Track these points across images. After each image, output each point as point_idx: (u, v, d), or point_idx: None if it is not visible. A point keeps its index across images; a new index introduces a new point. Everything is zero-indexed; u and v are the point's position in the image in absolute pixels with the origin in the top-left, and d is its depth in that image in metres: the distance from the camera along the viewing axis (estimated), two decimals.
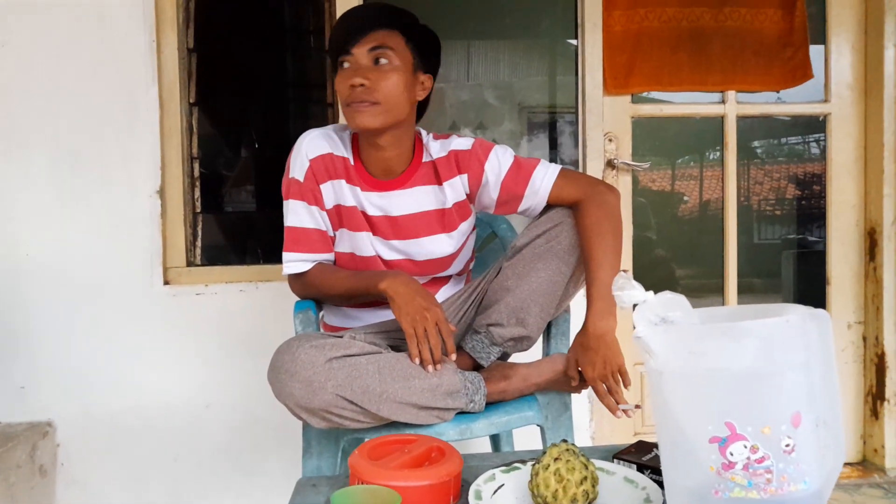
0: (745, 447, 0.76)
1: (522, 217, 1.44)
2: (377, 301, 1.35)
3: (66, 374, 1.94)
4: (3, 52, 1.90)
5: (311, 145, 1.34)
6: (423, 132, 1.40)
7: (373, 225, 1.36)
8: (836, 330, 2.21)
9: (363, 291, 1.31)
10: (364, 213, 1.36)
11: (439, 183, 1.36)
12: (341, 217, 1.36)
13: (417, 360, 1.21)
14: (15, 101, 1.91)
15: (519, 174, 1.34)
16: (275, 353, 1.20)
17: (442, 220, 1.37)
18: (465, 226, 1.41)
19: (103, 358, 1.95)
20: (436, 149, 1.37)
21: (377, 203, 1.35)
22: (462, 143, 1.37)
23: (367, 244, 1.36)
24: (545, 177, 1.34)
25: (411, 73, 1.29)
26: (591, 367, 1.26)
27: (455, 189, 1.36)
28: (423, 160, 1.37)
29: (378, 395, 1.17)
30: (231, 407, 2.00)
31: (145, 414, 1.97)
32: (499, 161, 1.35)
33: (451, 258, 1.42)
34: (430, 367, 1.21)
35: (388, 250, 1.38)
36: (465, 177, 1.36)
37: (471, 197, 1.39)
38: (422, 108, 1.39)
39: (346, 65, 1.27)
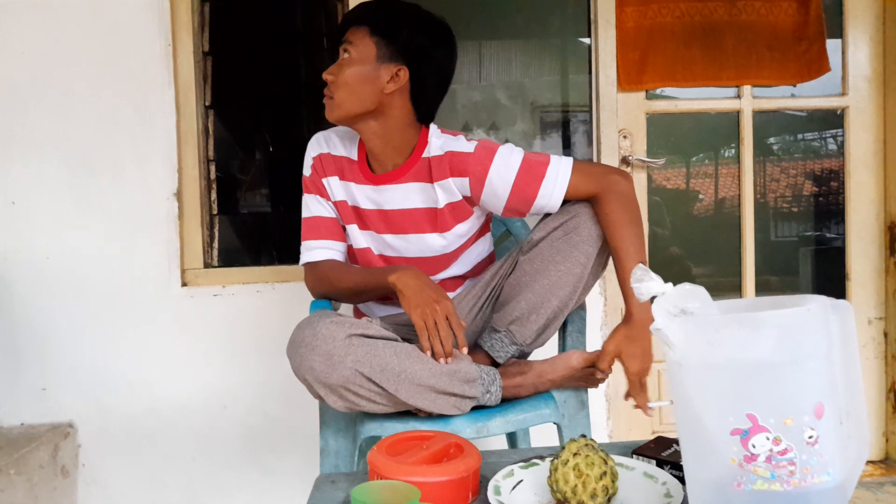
0: (768, 439, 0.75)
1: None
2: (389, 297, 1.35)
3: (85, 376, 1.96)
4: (21, 59, 1.93)
5: (313, 146, 1.45)
6: (434, 127, 1.38)
7: (366, 218, 1.40)
8: (857, 326, 2.18)
9: (373, 286, 1.33)
10: (357, 208, 1.40)
11: (430, 181, 1.34)
12: (340, 212, 1.43)
13: (429, 353, 1.21)
14: (32, 107, 1.93)
15: (529, 176, 1.30)
16: (295, 329, 1.21)
17: (433, 220, 1.37)
18: (463, 228, 1.39)
19: (122, 360, 1.97)
20: (436, 146, 1.34)
21: (371, 196, 1.38)
22: (463, 145, 1.33)
23: (359, 238, 1.41)
24: (558, 177, 1.30)
25: (372, 65, 1.29)
26: (635, 360, 1.25)
27: (448, 190, 1.34)
28: (423, 156, 1.36)
29: (396, 374, 1.18)
30: (248, 407, 2.01)
31: (163, 414, 1.98)
32: (505, 164, 1.30)
33: (446, 258, 1.41)
34: (442, 360, 1.21)
35: (380, 245, 1.41)
36: (464, 180, 1.32)
37: (472, 200, 1.36)
38: (420, 102, 1.34)
39: None
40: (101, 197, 1.96)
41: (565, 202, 1.32)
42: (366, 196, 1.39)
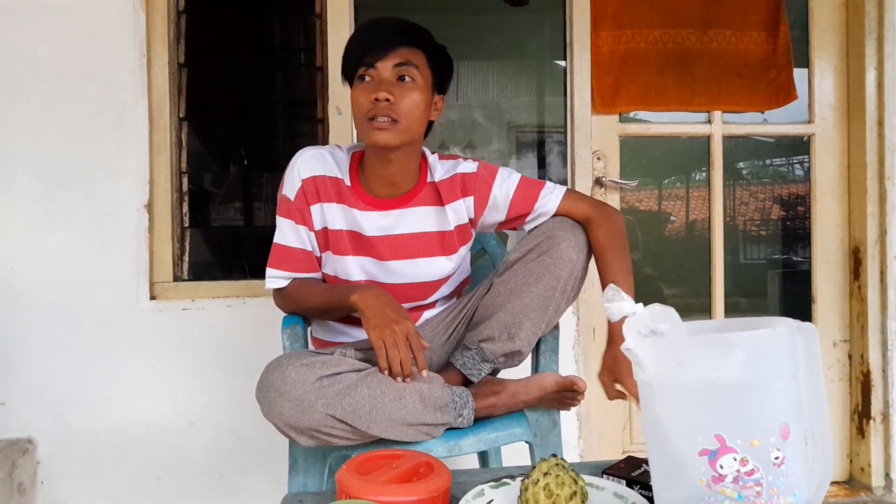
0: (735, 460, 0.76)
1: (512, 233, 1.45)
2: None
3: (48, 391, 1.91)
4: None
5: (305, 165, 1.33)
6: (428, 152, 1.40)
7: (370, 246, 1.35)
8: (822, 348, 2.22)
9: (336, 305, 1.31)
10: (359, 235, 1.34)
11: (441, 205, 1.36)
12: (328, 240, 1.35)
13: (387, 372, 1.20)
14: (3, 116, 1.90)
15: (527, 193, 1.36)
16: (264, 372, 1.19)
17: (442, 243, 1.37)
18: (464, 249, 1.42)
19: (87, 374, 1.92)
20: (439, 171, 1.37)
21: (379, 222, 1.34)
22: (467, 166, 1.37)
23: (352, 268, 1.35)
24: (552, 195, 1.37)
25: (429, 93, 1.29)
26: (607, 371, 1.26)
27: (457, 212, 1.36)
28: (427, 181, 1.37)
29: (368, 412, 1.16)
30: (216, 424, 1.97)
31: (128, 431, 1.94)
32: (505, 182, 1.36)
33: (442, 282, 1.41)
34: (399, 380, 1.20)
35: (382, 272, 1.37)
36: (470, 199, 1.36)
37: (473, 221, 1.39)
38: (430, 128, 1.38)
39: (366, 78, 1.26)
40: (71, 208, 1.92)
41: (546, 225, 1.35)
42: (372, 222, 1.34)
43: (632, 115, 2.34)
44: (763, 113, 2.31)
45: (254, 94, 2.32)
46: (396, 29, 1.28)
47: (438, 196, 1.36)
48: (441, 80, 1.33)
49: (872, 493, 2.19)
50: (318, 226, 1.35)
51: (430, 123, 1.37)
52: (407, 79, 1.25)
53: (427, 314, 1.45)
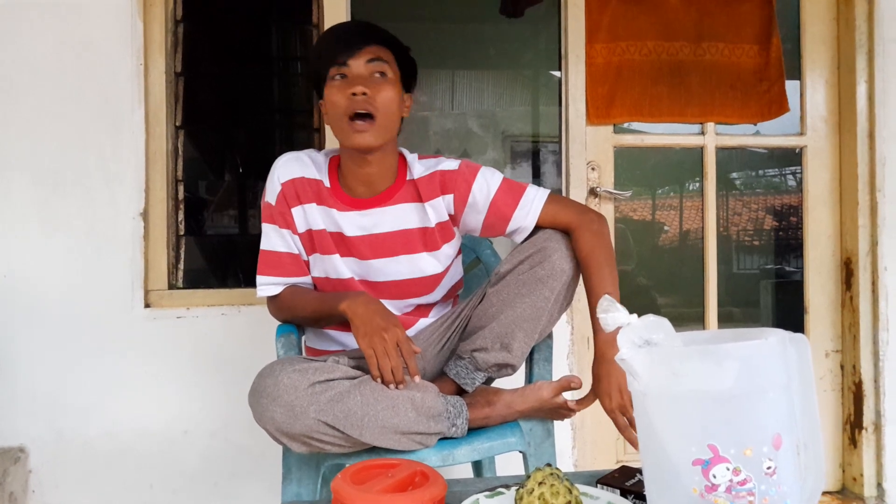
0: (728, 469, 0.76)
1: (506, 242, 1.45)
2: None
3: (40, 399, 1.90)
4: None
5: (283, 169, 1.36)
6: (407, 152, 1.41)
7: (352, 246, 1.35)
8: (815, 358, 2.23)
9: (327, 313, 1.31)
10: (340, 235, 1.35)
11: (421, 202, 1.36)
12: (313, 241, 1.36)
13: (379, 380, 1.20)
14: None
15: (508, 195, 1.35)
16: (256, 377, 1.19)
17: (426, 240, 1.37)
18: (449, 248, 1.40)
19: (80, 381, 1.91)
20: (419, 169, 1.37)
21: (359, 222, 1.35)
22: (448, 164, 1.37)
23: (340, 266, 1.36)
24: (535, 200, 1.35)
25: (400, 89, 1.33)
26: (608, 397, 1.25)
27: (437, 210, 1.36)
28: (407, 178, 1.37)
29: (360, 419, 1.16)
30: (210, 433, 1.96)
31: (121, 439, 1.93)
32: (487, 182, 1.35)
33: (434, 280, 1.41)
34: (392, 387, 1.20)
35: (365, 271, 1.37)
36: (450, 197, 1.35)
37: (455, 219, 1.38)
38: (401, 127, 1.40)
39: (339, 77, 1.28)
40: (67, 214, 1.92)
41: (535, 231, 1.35)
42: (351, 222, 1.35)
43: (626, 125, 2.36)
44: (756, 125, 2.33)
45: (250, 102, 2.32)
46: (364, 28, 1.32)
47: (418, 193, 1.36)
48: (407, 79, 1.36)
49: (864, 502, 2.19)
50: (301, 228, 1.36)
51: (401, 122, 1.40)
52: (380, 74, 1.28)
53: (421, 323, 1.45)
